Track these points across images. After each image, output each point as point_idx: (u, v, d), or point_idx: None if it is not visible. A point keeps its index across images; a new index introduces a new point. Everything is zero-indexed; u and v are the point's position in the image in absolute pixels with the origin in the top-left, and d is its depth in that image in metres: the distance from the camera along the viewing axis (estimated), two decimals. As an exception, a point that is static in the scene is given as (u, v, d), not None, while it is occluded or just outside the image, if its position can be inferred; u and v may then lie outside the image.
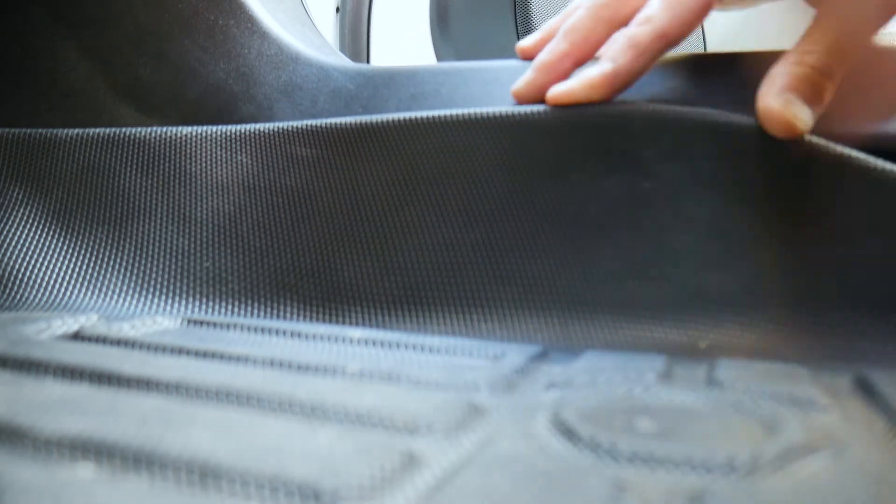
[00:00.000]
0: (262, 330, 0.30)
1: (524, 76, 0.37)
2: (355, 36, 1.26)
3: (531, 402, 0.22)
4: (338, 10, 1.26)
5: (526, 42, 0.40)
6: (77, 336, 0.28)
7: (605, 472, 0.17)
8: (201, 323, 0.31)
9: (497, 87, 0.39)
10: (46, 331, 0.28)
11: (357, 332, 0.29)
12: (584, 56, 0.36)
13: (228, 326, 0.30)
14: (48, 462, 0.16)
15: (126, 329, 0.28)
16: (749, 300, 0.29)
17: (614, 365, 0.26)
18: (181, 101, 0.42)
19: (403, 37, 1.28)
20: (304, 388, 0.21)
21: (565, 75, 0.36)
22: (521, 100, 0.37)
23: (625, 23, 0.35)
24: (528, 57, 0.39)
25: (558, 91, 0.35)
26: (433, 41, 1.14)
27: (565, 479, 0.16)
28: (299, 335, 0.29)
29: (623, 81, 0.34)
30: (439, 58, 1.14)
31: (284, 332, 0.30)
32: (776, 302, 0.30)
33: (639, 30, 0.34)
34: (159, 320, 0.30)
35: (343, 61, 0.44)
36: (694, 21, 0.34)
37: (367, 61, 1.27)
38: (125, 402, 0.20)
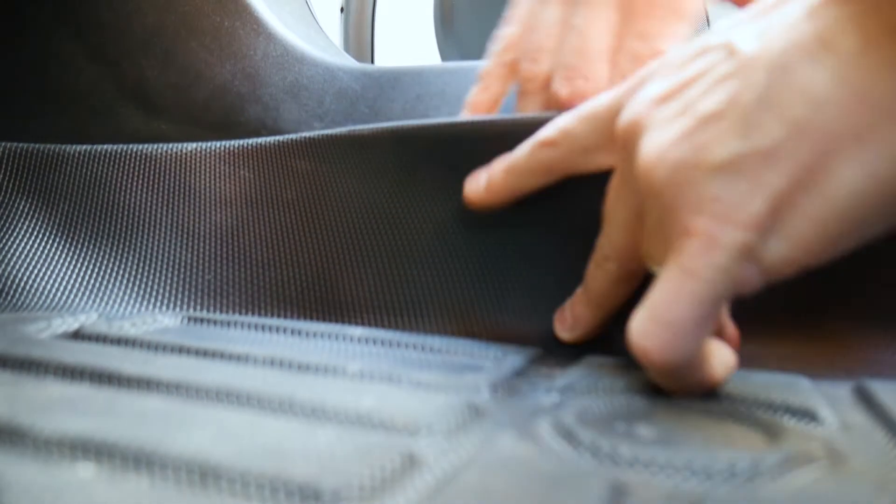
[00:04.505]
0: (263, 328, 0.30)
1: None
2: (360, 36, 1.26)
3: (532, 405, 0.22)
4: (342, 10, 1.26)
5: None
6: (77, 335, 0.28)
7: (606, 476, 0.17)
8: (202, 320, 0.31)
9: None
10: (46, 330, 0.28)
11: (358, 331, 0.29)
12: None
13: (229, 324, 0.30)
14: (48, 462, 0.16)
15: (126, 327, 0.28)
16: (749, 309, 0.29)
17: (615, 371, 0.26)
18: (188, 102, 0.42)
19: (407, 37, 1.28)
20: (304, 388, 0.21)
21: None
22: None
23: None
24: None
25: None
26: (437, 41, 1.15)
27: (565, 482, 0.16)
28: (300, 333, 0.29)
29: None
30: (443, 57, 1.14)
31: (285, 330, 0.30)
32: (776, 312, 0.29)
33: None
34: (160, 318, 0.30)
35: (348, 62, 0.44)
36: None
37: (372, 61, 1.27)
38: (125, 402, 0.20)
